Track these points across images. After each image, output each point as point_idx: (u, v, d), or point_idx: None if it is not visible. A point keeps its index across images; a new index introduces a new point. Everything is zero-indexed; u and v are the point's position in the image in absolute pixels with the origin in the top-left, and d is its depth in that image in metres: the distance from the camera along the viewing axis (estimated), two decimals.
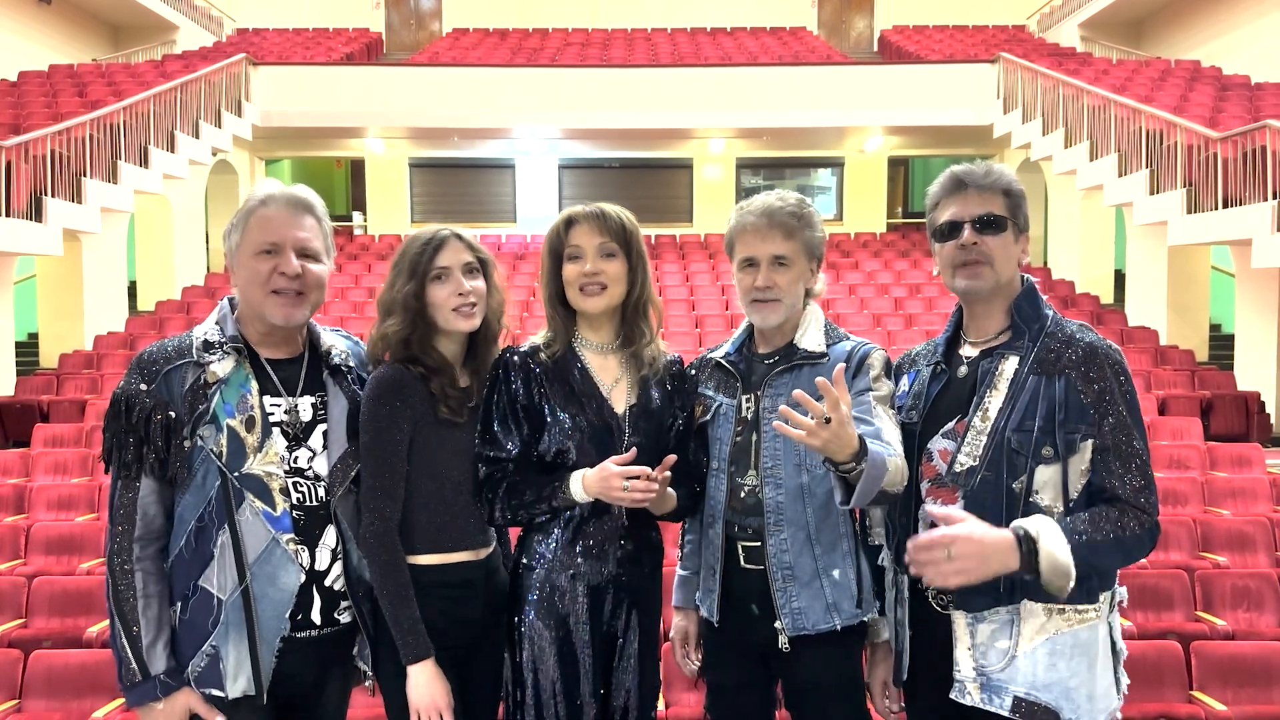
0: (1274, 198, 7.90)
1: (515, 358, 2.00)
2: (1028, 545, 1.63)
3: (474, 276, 1.98)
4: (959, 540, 1.61)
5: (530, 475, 1.97)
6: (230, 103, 12.59)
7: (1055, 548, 1.63)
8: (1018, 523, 1.67)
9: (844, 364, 1.74)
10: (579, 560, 1.96)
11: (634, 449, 1.88)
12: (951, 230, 1.86)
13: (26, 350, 10.56)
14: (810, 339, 2.00)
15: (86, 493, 5.73)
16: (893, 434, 1.86)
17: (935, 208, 1.91)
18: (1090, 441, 1.74)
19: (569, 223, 1.99)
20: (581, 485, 1.88)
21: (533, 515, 1.96)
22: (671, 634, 2.21)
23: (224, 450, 1.80)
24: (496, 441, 1.96)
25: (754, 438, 1.98)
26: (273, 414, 1.87)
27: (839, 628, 1.93)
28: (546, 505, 1.93)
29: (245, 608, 1.79)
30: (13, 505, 5.67)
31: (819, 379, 1.64)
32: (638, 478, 1.83)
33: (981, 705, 1.76)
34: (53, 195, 8.82)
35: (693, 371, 2.15)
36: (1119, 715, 1.81)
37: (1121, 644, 1.83)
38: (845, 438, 1.64)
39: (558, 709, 1.94)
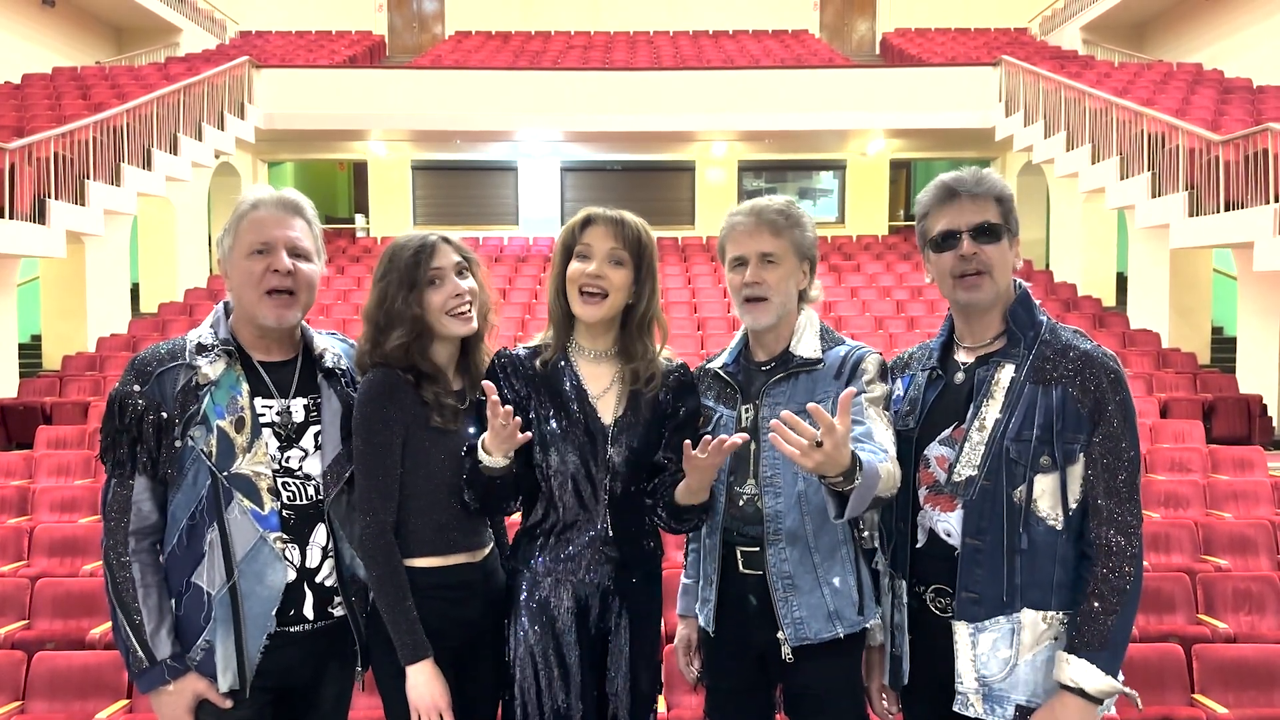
0: (1276, 201, 7.89)
1: (508, 362, 2.00)
2: (1089, 694, 1.69)
3: (464, 277, 1.99)
4: None
5: None
6: (233, 105, 12.60)
7: (1099, 682, 1.69)
8: (1060, 679, 1.71)
9: (850, 389, 1.68)
10: (563, 568, 1.95)
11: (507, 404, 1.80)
12: (947, 240, 1.84)
13: (29, 352, 10.59)
14: (806, 345, 1.98)
15: (89, 494, 5.74)
16: (885, 436, 1.85)
17: (926, 217, 1.89)
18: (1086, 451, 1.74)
19: (586, 221, 1.96)
20: (482, 448, 1.83)
21: (479, 496, 1.89)
22: (675, 642, 2.21)
23: (213, 450, 1.84)
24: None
25: (753, 447, 1.95)
26: (263, 415, 1.90)
27: (842, 635, 1.92)
28: (470, 477, 1.87)
29: (232, 604, 1.83)
30: (16, 507, 5.69)
31: (810, 405, 1.60)
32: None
33: (984, 717, 1.77)
34: (56, 197, 8.84)
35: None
36: (1113, 712, 1.81)
37: None
38: (839, 459, 1.60)
39: (544, 711, 1.92)
